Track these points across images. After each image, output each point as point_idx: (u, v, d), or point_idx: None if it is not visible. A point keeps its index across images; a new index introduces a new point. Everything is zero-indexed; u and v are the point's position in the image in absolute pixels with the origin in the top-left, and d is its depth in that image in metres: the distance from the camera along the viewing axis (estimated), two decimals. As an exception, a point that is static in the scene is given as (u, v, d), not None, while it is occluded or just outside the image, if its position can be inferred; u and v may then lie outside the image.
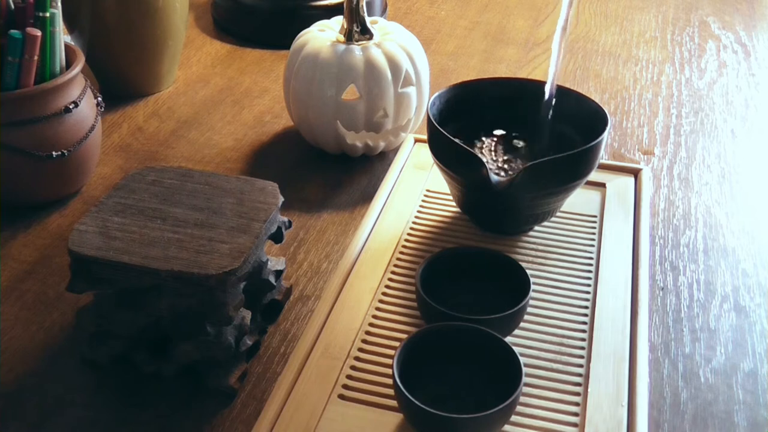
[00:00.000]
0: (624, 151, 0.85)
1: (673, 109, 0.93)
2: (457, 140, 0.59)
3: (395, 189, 0.70)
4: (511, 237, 0.64)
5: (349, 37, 0.77)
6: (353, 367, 0.53)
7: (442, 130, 0.60)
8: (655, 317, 0.63)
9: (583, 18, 1.17)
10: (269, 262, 0.59)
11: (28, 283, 0.65)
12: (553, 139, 0.66)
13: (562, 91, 0.66)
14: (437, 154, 0.62)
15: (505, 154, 0.66)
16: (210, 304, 0.51)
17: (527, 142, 0.67)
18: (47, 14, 0.68)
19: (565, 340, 0.55)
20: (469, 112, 0.67)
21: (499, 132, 0.68)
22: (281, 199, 0.58)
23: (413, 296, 0.57)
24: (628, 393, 0.51)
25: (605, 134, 0.60)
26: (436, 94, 0.65)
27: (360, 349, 0.54)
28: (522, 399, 0.50)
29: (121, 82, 0.92)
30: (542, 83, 0.67)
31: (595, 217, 0.67)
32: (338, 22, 0.80)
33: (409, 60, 0.77)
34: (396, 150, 0.78)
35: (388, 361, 0.52)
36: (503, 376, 0.47)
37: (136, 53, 0.89)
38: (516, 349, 0.48)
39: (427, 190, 0.70)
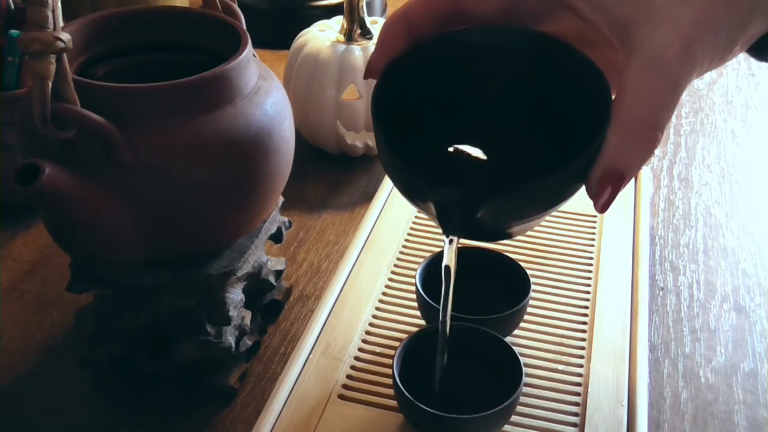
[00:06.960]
0: (624, 151, 0.85)
1: (673, 109, 0.93)
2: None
3: (395, 189, 0.70)
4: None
5: (349, 37, 0.77)
6: (353, 367, 0.53)
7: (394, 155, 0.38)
8: (655, 317, 0.63)
9: (583, 18, 1.17)
10: (269, 262, 0.59)
11: (28, 283, 0.65)
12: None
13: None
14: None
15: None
16: (210, 304, 0.51)
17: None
18: (47, 14, 0.68)
19: (565, 340, 0.55)
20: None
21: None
22: (281, 199, 0.58)
23: (413, 296, 0.57)
24: (628, 393, 0.51)
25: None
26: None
27: (360, 349, 0.54)
28: (522, 399, 0.50)
29: (121, 82, 0.92)
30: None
31: (595, 217, 0.67)
32: (338, 22, 0.80)
33: (409, 60, 0.77)
34: (396, 150, 0.78)
35: (388, 361, 0.52)
36: (503, 376, 0.47)
37: (136, 53, 0.89)
38: (516, 349, 0.48)
39: (427, 190, 0.70)
